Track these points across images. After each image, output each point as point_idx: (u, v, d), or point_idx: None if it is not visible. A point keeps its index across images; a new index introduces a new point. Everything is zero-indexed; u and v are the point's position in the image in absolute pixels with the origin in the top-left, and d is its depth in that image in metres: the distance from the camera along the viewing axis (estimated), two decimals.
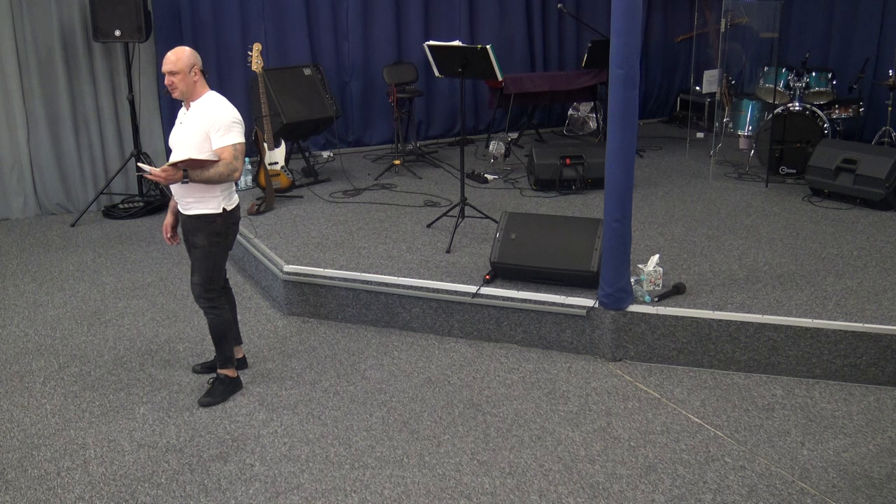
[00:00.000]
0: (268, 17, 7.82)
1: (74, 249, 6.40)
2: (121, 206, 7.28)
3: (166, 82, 3.88)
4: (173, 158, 3.93)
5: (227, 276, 4.29)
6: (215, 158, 3.87)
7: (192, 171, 3.82)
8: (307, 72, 7.35)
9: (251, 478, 3.53)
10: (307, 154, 7.48)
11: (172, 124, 4.12)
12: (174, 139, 4.00)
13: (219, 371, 4.21)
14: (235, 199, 4.09)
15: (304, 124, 7.14)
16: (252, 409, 4.08)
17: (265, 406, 4.11)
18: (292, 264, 5.18)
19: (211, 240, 4.00)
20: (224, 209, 3.99)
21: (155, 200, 7.29)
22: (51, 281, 5.77)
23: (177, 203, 4.11)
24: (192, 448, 3.74)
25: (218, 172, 3.86)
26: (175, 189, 3.97)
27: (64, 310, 5.29)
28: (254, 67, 6.31)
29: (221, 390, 4.18)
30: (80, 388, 4.30)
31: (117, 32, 6.71)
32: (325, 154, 8.03)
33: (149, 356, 4.65)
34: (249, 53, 6.37)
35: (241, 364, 4.42)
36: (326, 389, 4.27)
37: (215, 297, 4.10)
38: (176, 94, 3.91)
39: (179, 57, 3.86)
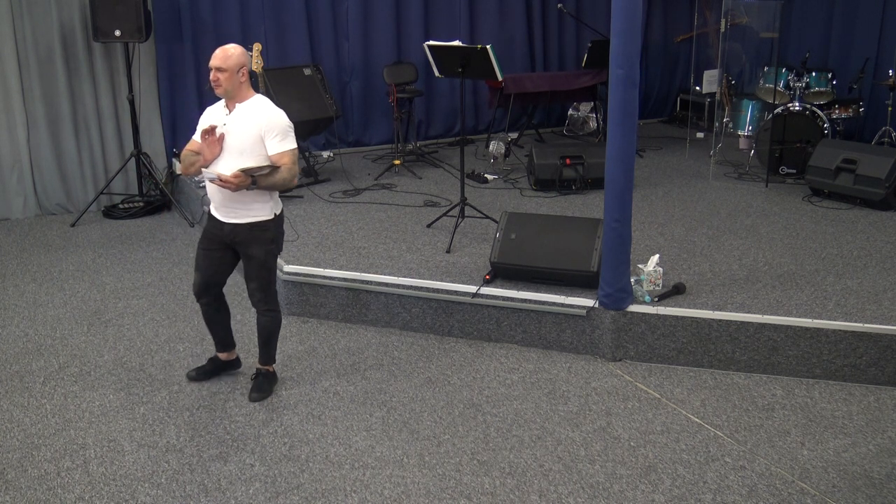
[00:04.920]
0: (268, 17, 7.81)
1: (74, 249, 6.40)
2: (121, 206, 7.28)
3: (212, 77, 3.82)
4: (221, 164, 3.83)
5: (227, 280, 4.22)
6: (270, 164, 3.82)
7: (260, 177, 3.78)
8: (307, 72, 7.35)
9: (251, 478, 3.53)
10: (307, 154, 7.47)
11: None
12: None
13: (263, 367, 4.25)
14: (280, 203, 4.04)
15: (303, 124, 7.12)
16: (252, 409, 4.08)
17: (265, 406, 4.11)
18: (292, 264, 5.18)
19: (267, 248, 3.97)
20: (275, 214, 3.96)
21: (155, 200, 7.29)
22: (51, 281, 5.77)
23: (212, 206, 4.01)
24: (192, 448, 3.74)
25: (283, 178, 3.83)
26: (222, 195, 3.86)
27: (64, 310, 5.29)
28: (254, 67, 6.30)
29: (268, 385, 4.22)
30: (80, 388, 4.30)
31: (117, 32, 6.71)
32: (325, 154, 8.03)
33: (149, 356, 4.65)
34: (249, 53, 6.36)
35: (235, 364, 4.41)
36: (326, 389, 4.27)
37: (273, 300, 4.11)
38: (219, 91, 3.84)
39: (230, 55, 3.81)
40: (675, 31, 9.87)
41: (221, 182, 3.74)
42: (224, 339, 4.30)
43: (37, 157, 7.14)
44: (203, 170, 3.88)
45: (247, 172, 3.74)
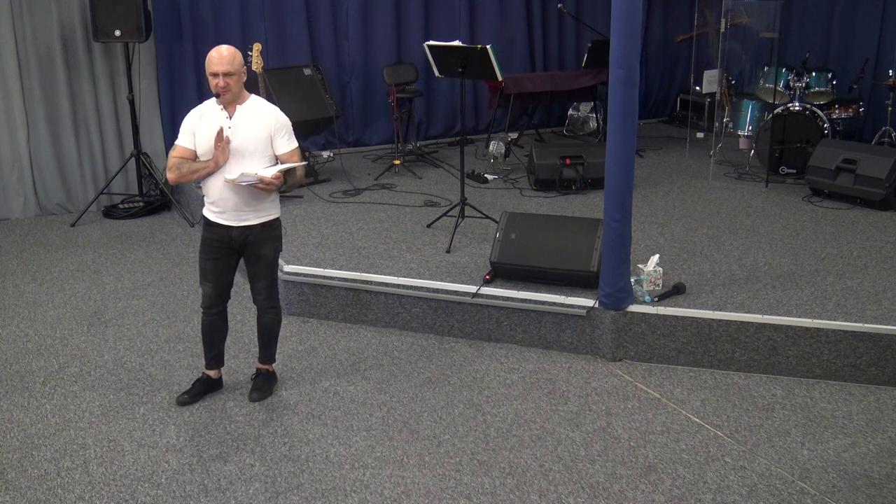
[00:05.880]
0: (268, 17, 7.81)
1: (74, 249, 6.40)
2: (121, 206, 7.28)
3: (220, 84, 3.69)
4: (234, 165, 3.78)
5: (230, 294, 4.16)
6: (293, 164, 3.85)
7: (288, 176, 3.81)
8: (307, 72, 7.35)
9: (251, 478, 3.53)
10: (307, 154, 7.47)
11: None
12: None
13: (263, 366, 4.26)
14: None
15: (303, 124, 7.13)
16: (252, 409, 4.08)
17: (265, 406, 4.11)
18: (292, 264, 5.18)
19: (275, 246, 4.01)
20: (280, 212, 4.01)
21: (155, 200, 7.29)
22: (51, 281, 5.77)
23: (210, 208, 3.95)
24: (192, 448, 3.74)
25: (300, 176, 3.91)
26: (239, 198, 3.81)
27: (64, 310, 5.29)
28: (254, 67, 6.30)
29: (268, 384, 4.23)
30: (80, 388, 4.30)
31: (117, 32, 6.71)
32: (325, 154, 8.03)
33: (149, 356, 4.65)
34: (249, 53, 6.35)
35: (220, 384, 4.27)
36: (326, 389, 4.27)
37: (276, 298, 4.14)
38: (227, 97, 3.74)
39: (232, 57, 3.71)
40: (675, 31, 9.87)
41: (264, 185, 3.72)
42: (221, 352, 4.23)
43: (37, 157, 7.14)
44: (242, 173, 3.71)
45: (281, 172, 3.78)
